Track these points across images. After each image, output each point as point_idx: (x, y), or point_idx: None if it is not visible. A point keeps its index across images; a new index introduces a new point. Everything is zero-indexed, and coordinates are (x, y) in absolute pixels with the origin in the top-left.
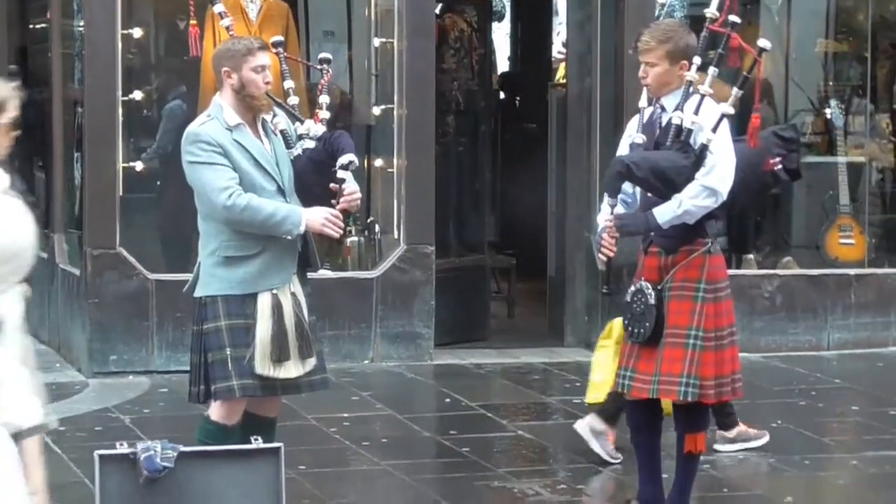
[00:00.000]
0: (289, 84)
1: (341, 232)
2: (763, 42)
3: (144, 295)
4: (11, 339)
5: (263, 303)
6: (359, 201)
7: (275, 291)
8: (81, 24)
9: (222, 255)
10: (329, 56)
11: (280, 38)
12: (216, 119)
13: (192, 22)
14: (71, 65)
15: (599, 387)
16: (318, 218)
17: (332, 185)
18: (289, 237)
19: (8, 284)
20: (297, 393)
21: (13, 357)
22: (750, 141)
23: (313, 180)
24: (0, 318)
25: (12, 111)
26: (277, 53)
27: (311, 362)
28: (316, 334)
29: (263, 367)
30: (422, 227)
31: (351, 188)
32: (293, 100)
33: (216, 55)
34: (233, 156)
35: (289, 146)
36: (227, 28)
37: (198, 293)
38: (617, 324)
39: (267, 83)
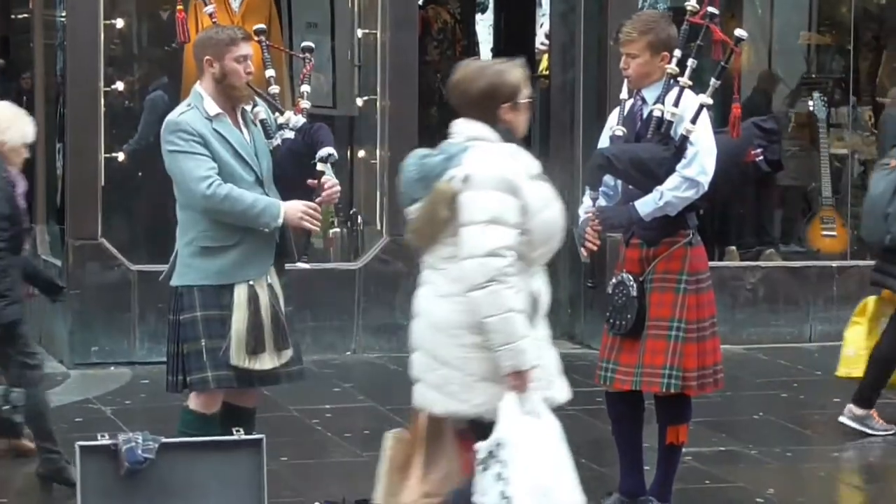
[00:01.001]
0: (270, 73)
1: (319, 225)
2: (739, 32)
3: (126, 286)
4: (543, 319)
5: (240, 294)
6: (338, 195)
7: (251, 283)
8: (63, 14)
9: (199, 245)
10: (312, 45)
11: (263, 26)
12: (196, 108)
13: (179, 7)
14: (53, 55)
15: (851, 361)
16: (296, 211)
17: (309, 180)
18: (266, 230)
19: (539, 266)
20: (274, 384)
21: (544, 336)
22: (731, 132)
23: (292, 171)
24: (535, 295)
25: (527, 90)
26: (260, 42)
27: (287, 353)
28: (292, 326)
29: (239, 358)
30: (405, 219)
31: (330, 182)
32: (274, 89)
33: (198, 43)
34: (212, 145)
35: (268, 136)
36: (210, 15)
37: (174, 282)
38: (871, 301)
39: (249, 73)
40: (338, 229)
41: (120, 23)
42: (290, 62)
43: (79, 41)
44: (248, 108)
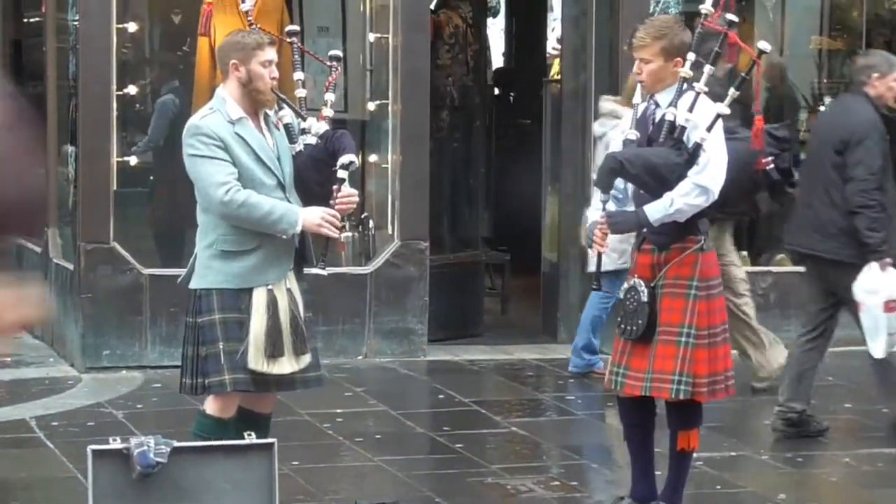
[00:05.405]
0: (299, 76)
1: (338, 232)
2: (763, 44)
3: (138, 290)
4: None
5: (258, 298)
6: (355, 204)
7: (270, 287)
8: (76, 17)
9: (219, 249)
10: (340, 54)
11: (296, 27)
12: (218, 112)
13: (208, 0)
14: (65, 58)
15: None
16: (315, 218)
17: (335, 187)
18: (284, 236)
19: None
20: (290, 389)
21: None
22: (755, 142)
23: (312, 178)
24: None
25: None
26: (292, 43)
27: (306, 359)
28: (311, 331)
29: (257, 362)
30: (416, 223)
31: (348, 191)
32: (301, 92)
33: (224, 46)
34: (233, 150)
35: (292, 141)
36: (247, 13)
37: (193, 285)
38: None
39: (273, 78)
40: (349, 234)
41: (132, 26)
42: (302, 63)
43: (91, 45)
44: (272, 112)
